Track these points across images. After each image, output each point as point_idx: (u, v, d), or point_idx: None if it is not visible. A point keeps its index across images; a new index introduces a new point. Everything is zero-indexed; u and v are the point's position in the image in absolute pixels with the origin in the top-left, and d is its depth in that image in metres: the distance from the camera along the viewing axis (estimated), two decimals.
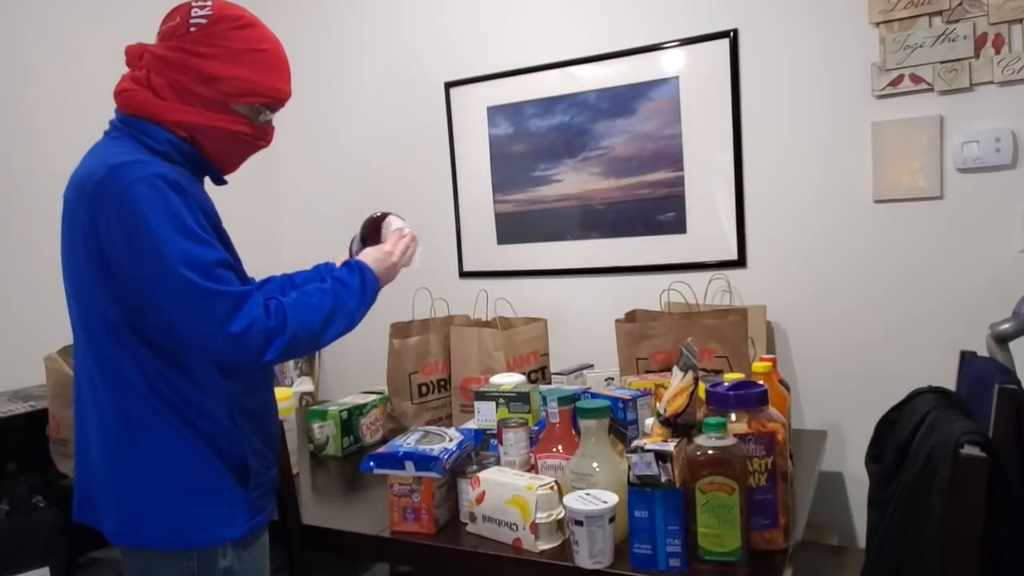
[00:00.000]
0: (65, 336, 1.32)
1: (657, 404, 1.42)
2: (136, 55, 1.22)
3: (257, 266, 1.35)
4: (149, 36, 1.26)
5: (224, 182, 1.33)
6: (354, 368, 2.74)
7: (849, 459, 2.06)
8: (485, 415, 1.64)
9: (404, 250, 1.46)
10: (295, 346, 1.19)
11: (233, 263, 1.20)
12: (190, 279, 1.10)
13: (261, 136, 1.29)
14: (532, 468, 1.48)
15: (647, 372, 1.84)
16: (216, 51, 1.18)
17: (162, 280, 1.10)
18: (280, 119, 1.35)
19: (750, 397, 1.26)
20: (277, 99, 1.27)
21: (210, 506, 1.20)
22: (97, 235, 1.13)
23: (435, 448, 1.42)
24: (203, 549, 1.19)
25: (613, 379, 1.93)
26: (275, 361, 1.17)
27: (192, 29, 1.18)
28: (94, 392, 1.20)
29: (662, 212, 2.23)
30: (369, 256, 1.41)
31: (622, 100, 2.25)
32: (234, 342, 1.12)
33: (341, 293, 1.28)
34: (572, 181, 2.34)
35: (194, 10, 1.19)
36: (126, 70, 1.25)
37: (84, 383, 1.23)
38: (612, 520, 1.24)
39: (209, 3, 1.19)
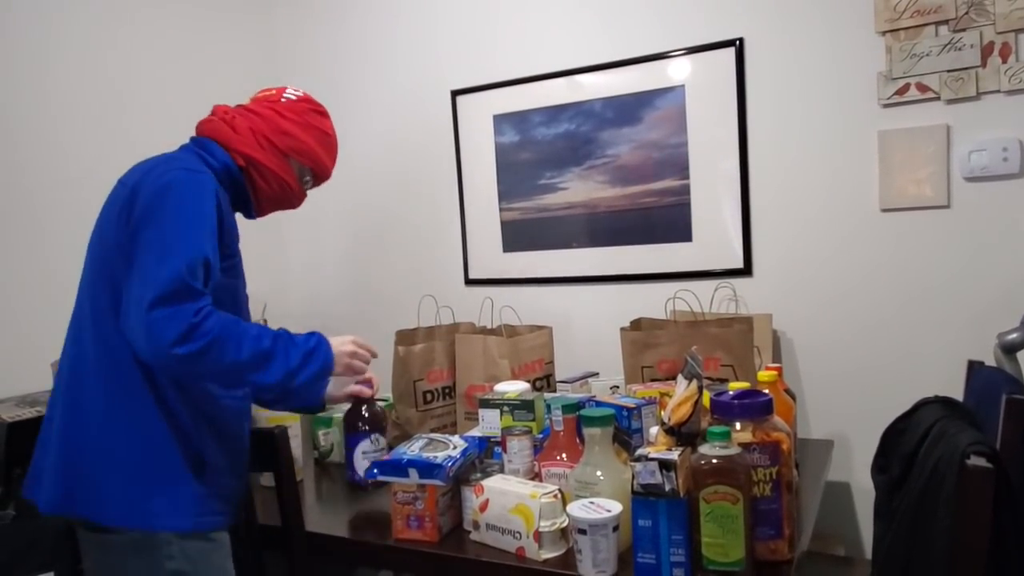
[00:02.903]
0: None
1: (662, 413, 1.42)
2: (223, 108, 1.46)
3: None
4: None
5: (253, 216, 1.50)
6: None
7: (855, 469, 2.04)
8: (489, 423, 1.64)
9: (360, 355, 1.52)
10: (209, 355, 1.18)
11: (214, 264, 1.25)
12: (175, 250, 1.18)
13: (299, 195, 1.51)
14: (536, 476, 1.48)
15: (652, 380, 1.84)
16: (296, 119, 1.46)
17: (148, 244, 1.20)
18: None
19: (755, 406, 1.26)
20: (323, 174, 1.54)
21: (159, 489, 1.25)
22: (131, 207, 1.24)
23: (439, 456, 1.42)
24: (146, 532, 1.24)
25: (618, 387, 1.93)
26: (183, 357, 1.16)
27: (283, 100, 1.48)
28: (79, 363, 1.28)
29: (668, 220, 2.23)
30: (331, 337, 1.45)
31: (628, 108, 2.25)
32: (148, 325, 1.15)
33: (289, 347, 1.32)
34: (578, 189, 2.35)
35: (288, 90, 1.51)
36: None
37: (67, 362, 1.31)
38: (616, 529, 1.23)
39: (300, 90, 1.52)
